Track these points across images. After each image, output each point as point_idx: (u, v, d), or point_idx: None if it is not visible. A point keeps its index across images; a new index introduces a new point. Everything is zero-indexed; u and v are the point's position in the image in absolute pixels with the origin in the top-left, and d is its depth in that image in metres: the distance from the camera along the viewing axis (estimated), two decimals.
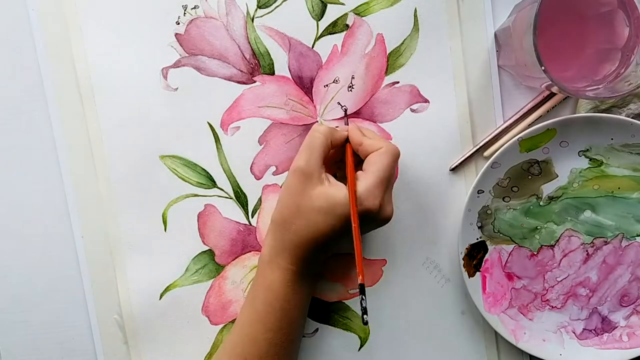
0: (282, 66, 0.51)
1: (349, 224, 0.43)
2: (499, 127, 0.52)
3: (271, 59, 0.51)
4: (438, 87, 0.52)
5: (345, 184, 0.45)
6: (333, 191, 0.44)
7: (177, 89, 0.51)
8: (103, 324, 0.53)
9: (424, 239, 0.53)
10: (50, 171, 0.52)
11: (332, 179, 0.46)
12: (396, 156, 0.46)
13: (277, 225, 0.46)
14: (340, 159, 0.49)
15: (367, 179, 0.44)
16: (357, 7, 0.51)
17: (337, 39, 0.51)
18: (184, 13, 0.51)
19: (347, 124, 0.51)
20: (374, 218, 0.45)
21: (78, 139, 0.52)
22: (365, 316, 0.40)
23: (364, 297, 0.40)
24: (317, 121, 0.52)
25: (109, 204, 0.52)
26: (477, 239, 0.52)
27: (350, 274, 0.53)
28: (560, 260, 0.53)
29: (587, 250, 0.53)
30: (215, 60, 0.51)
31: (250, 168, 0.52)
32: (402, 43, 0.51)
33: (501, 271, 0.53)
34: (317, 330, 0.53)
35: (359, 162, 0.47)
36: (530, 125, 0.51)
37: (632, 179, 0.52)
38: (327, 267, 0.53)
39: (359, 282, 0.41)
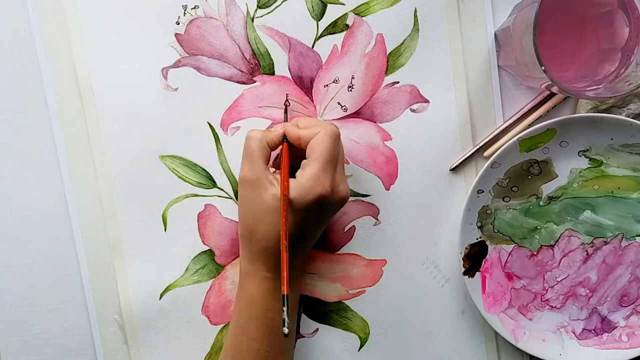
0: (282, 66, 0.51)
1: (308, 217, 0.44)
2: (499, 127, 0.52)
3: (271, 59, 0.51)
4: (438, 87, 0.52)
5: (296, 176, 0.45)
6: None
7: (177, 89, 0.51)
8: (103, 324, 0.53)
9: (424, 239, 0.53)
10: (50, 171, 0.52)
11: (278, 177, 0.45)
12: (335, 136, 0.45)
13: (244, 238, 0.46)
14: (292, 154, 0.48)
15: (311, 166, 0.44)
16: (357, 7, 0.51)
17: (337, 39, 0.51)
18: (184, 13, 0.51)
19: (286, 121, 0.50)
20: (330, 202, 0.45)
21: (78, 139, 0.52)
22: (285, 327, 0.39)
23: (286, 308, 0.40)
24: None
25: (109, 204, 0.52)
26: (477, 239, 0.52)
27: (350, 274, 0.53)
28: (560, 260, 0.53)
29: (586, 250, 0.53)
30: (215, 60, 0.51)
31: None
32: (402, 43, 0.51)
33: (501, 271, 0.53)
34: (317, 330, 0.53)
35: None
36: (530, 125, 0.51)
37: (632, 179, 0.52)
38: (327, 268, 0.53)
39: (282, 292, 0.40)
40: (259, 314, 0.46)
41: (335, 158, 0.45)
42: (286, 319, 0.39)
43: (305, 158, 0.45)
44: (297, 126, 0.47)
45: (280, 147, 0.47)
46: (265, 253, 0.45)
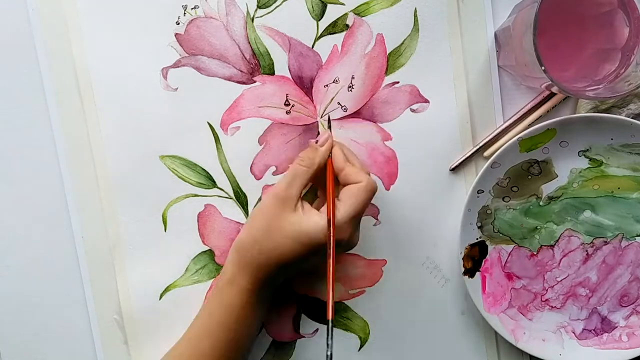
0: (282, 66, 0.51)
1: (313, 253, 0.44)
2: (499, 127, 0.52)
3: (271, 59, 0.51)
4: (438, 87, 0.52)
5: (321, 206, 0.46)
6: (305, 220, 0.44)
7: (177, 89, 0.51)
8: (103, 324, 0.53)
9: (424, 239, 0.53)
10: (50, 171, 0.52)
11: (307, 206, 0.46)
12: (374, 192, 0.46)
13: (244, 246, 0.46)
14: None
15: (342, 211, 0.44)
16: (357, 7, 0.51)
17: (337, 39, 0.51)
18: (184, 13, 0.51)
19: (330, 129, 0.51)
20: (341, 245, 0.46)
21: (78, 139, 0.52)
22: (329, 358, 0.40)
23: (330, 335, 0.41)
24: (317, 121, 0.52)
25: (109, 204, 0.52)
26: (477, 239, 0.52)
27: (350, 274, 0.53)
28: (560, 260, 0.53)
29: (586, 251, 0.53)
30: (215, 60, 0.51)
31: (250, 168, 0.52)
32: (402, 43, 0.51)
33: (501, 271, 0.53)
34: (317, 330, 0.53)
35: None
36: (530, 125, 0.51)
37: (632, 179, 0.52)
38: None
39: (328, 317, 0.41)
40: (233, 324, 0.46)
41: (363, 211, 0.46)
42: (330, 349, 0.40)
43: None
44: (344, 153, 0.47)
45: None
46: (257, 268, 0.45)
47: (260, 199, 0.52)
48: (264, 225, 0.45)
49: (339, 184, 0.47)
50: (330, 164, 0.47)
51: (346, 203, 0.45)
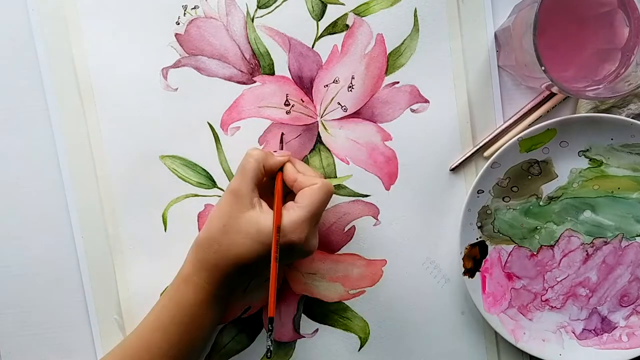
0: (282, 66, 0.51)
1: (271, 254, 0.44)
2: (499, 127, 0.52)
3: (271, 59, 0.51)
4: (438, 87, 0.52)
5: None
6: (262, 218, 0.44)
7: (177, 89, 0.51)
8: (103, 324, 0.53)
9: (424, 239, 0.53)
10: (50, 171, 0.52)
11: (264, 205, 0.46)
12: (330, 194, 0.46)
13: (202, 243, 0.46)
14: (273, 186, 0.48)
15: (296, 212, 0.44)
16: (357, 7, 0.51)
17: (337, 39, 0.51)
18: (184, 13, 0.51)
19: (282, 149, 0.51)
20: (298, 250, 0.45)
21: (78, 139, 0.52)
22: (269, 352, 0.42)
23: (271, 329, 0.42)
24: (317, 121, 0.52)
25: (109, 204, 0.52)
26: (477, 239, 0.52)
27: (350, 274, 0.53)
28: (560, 260, 0.53)
29: (586, 251, 0.53)
30: (215, 60, 0.51)
31: None
32: (402, 43, 0.51)
33: (501, 271, 0.53)
34: (317, 330, 0.53)
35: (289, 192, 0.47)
36: (530, 125, 0.51)
37: (632, 179, 0.52)
38: (327, 268, 0.53)
39: (269, 314, 0.43)
40: (186, 321, 0.46)
41: (320, 213, 0.46)
42: (271, 344, 0.42)
43: (287, 190, 0.46)
44: (296, 168, 0.47)
45: (270, 174, 0.47)
46: (214, 267, 0.45)
47: None
48: (220, 224, 0.45)
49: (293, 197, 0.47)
50: (279, 177, 0.47)
51: (300, 205, 0.45)
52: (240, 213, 0.44)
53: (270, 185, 0.47)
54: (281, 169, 0.47)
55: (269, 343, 0.42)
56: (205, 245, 0.45)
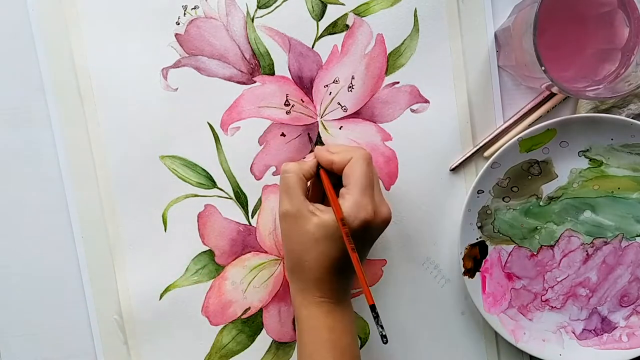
0: (282, 66, 0.51)
1: (354, 242, 0.44)
2: (499, 127, 0.52)
3: (271, 59, 0.51)
4: (438, 87, 0.52)
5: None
6: (326, 218, 0.44)
7: (177, 89, 0.51)
8: (103, 324, 0.53)
9: (424, 239, 0.53)
10: (50, 171, 0.52)
11: (321, 206, 0.46)
12: (368, 159, 0.45)
13: (293, 271, 0.46)
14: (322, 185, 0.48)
15: (351, 194, 0.44)
16: (357, 7, 0.51)
17: (337, 39, 0.51)
18: (184, 13, 0.51)
19: (313, 150, 0.51)
20: (374, 225, 0.45)
21: (78, 139, 0.52)
22: (383, 337, 0.43)
23: (376, 316, 0.43)
24: (317, 121, 0.52)
25: (109, 204, 0.52)
26: (477, 239, 0.52)
27: None
28: (560, 260, 0.53)
29: (586, 251, 0.53)
30: (215, 60, 0.51)
31: (250, 168, 0.52)
32: (402, 43, 0.51)
33: (501, 271, 0.53)
34: None
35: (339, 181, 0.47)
36: (530, 126, 0.51)
37: (632, 179, 0.52)
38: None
39: (369, 303, 0.43)
40: (326, 336, 0.45)
41: (372, 181, 0.45)
42: (381, 328, 0.43)
43: (338, 182, 0.46)
44: (328, 151, 0.47)
45: (313, 177, 0.47)
46: (317, 282, 0.45)
47: (260, 201, 0.52)
48: (296, 245, 0.45)
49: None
50: (323, 174, 0.47)
51: (349, 184, 0.44)
52: (306, 226, 0.44)
53: (317, 186, 0.48)
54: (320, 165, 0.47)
55: (381, 329, 0.43)
56: (297, 270, 0.46)
